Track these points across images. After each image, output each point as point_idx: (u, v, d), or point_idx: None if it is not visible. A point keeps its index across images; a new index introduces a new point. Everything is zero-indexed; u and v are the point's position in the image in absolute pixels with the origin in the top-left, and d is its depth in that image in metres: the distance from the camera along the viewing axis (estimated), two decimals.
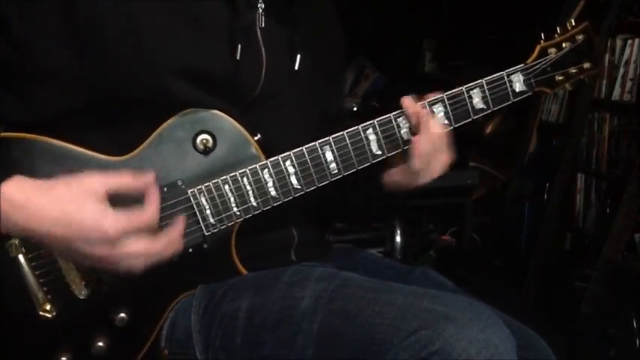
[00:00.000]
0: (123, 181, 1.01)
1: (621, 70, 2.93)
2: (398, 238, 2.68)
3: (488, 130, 3.46)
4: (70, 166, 1.07)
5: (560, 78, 1.27)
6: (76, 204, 0.96)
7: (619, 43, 2.93)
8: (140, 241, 1.00)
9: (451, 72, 3.81)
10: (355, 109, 3.60)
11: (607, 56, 2.95)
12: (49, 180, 0.98)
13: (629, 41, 2.91)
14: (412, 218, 3.04)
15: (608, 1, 2.88)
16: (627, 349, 2.31)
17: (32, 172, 1.02)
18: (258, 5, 1.17)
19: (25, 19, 1.04)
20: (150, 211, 1.01)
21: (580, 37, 1.27)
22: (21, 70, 1.07)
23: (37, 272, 1.06)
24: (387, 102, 3.68)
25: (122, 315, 1.11)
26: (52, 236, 0.97)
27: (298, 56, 1.22)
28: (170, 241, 1.04)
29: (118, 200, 1.00)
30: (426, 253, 3.13)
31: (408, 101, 1.21)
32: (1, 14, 1.03)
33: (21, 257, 1.06)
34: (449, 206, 3.09)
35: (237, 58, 1.13)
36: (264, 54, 1.18)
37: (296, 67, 1.23)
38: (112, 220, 0.97)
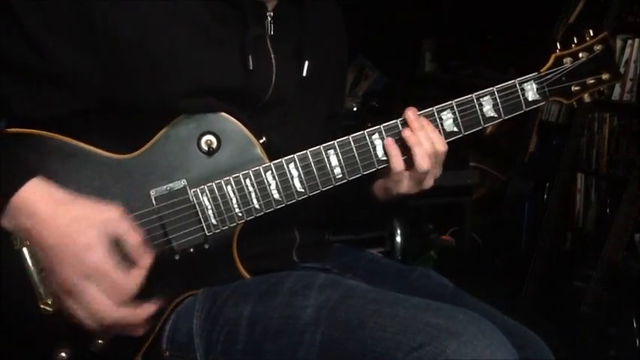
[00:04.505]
0: (131, 238, 1.02)
1: (621, 70, 2.93)
2: (398, 238, 2.68)
3: (488, 130, 3.46)
4: (76, 163, 1.09)
5: (577, 88, 1.25)
6: (79, 226, 0.99)
7: (619, 43, 2.93)
8: (103, 295, 0.99)
9: (451, 72, 3.82)
10: (355, 109, 3.60)
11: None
12: (71, 195, 1.01)
13: (629, 41, 2.92)
14: (412, 218, 3.04)
15: (608, 1, 2.88)
16: (627, 349, 2.31)
17: (39, 168, 1.04)
18: (267, 14, 1.18)
19: (44, 26, 1.05)
20: (131, 283, 1.01)
21: (598, 48, 1.24)
22: (36, 72, 1.08)
23: (40, 266, 1.07)
24: (387, 102, 3.69)
25: None
26: (44, 243, 0.99)
27: (306, 63, 1.23)
28: (130, 320, 1.03)
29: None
30: (426, 253, 3.13)
31: (410, 112, 1.19)
32: (22, 21, 1.05)
33: (25, 250, 1.06)
34: (449, 206, 3.09)
35: (250, 68, 1.14)
36: (273, 62, 1.19)
37: (304, 74, 1.23)
38: (97, 256, 0.98)
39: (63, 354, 1.09)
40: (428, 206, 3.14)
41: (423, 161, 1.16)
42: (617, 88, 2.95)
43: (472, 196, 3.15)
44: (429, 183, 1.21)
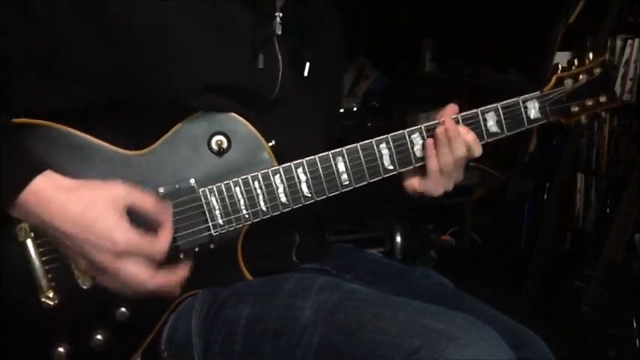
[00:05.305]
0: (145, 200, 1.04)
1: (621, 70, 2.92)
2: (398, 238, 2.68)
3: None
4: (86, 157, 1.10)
5: (576, 109, 1.28)
6: (96, 210, 1.00)
7: (619, 43, 2.93)
8: (140, 267, 1.02)
9: (451, 72, 3.82)
10: (355, 109, 3.59)
11: (607, 56, 2.95)
12: (76, 180, 1.02)
13: (629, 41, 2.91)
14: (412, 218, 3.04)
15: (608, 1, 2.88)
16: (627, 349, 2.31)
17: (49, 160, 1.05)
18: (277, 14, 1.19)
19: (60, 19, 1.06)
20: (162, 243, 1.04)
21: (597, 71, 1.28)
22: (52, 64, 1.09)
23: (44, 258, 1.08)
24: (387, 102, 3.69)
25: (123, 309, 1.11)
26: (66, 234, 1.00)
27: (307, 64, 1.25)
28: (168, 282, 1.06)
29: (136, 216, 1.04)
30: (426, 253, 3.13)
31: (446, 117, 1.21)
32: (40, 13, 1.06)
33: (29, 242, 1.07)
34: (449, 206, 3.08)
35: (261, 66, 1.16)
36: (280, 61, 1.21)
37: (305, 74, 1.25)
38: (124, 234, 1.00)
39: (61, 349, 1.10)
40: (428, 206, 3.13)
41: (448, 158, 1.20)
42: (617, 88, 2.95)
43: (472, 196, 3.15)
44: (459, 176, 1.25)
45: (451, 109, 1.23)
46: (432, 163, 1.20)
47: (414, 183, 1.25)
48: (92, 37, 1.07)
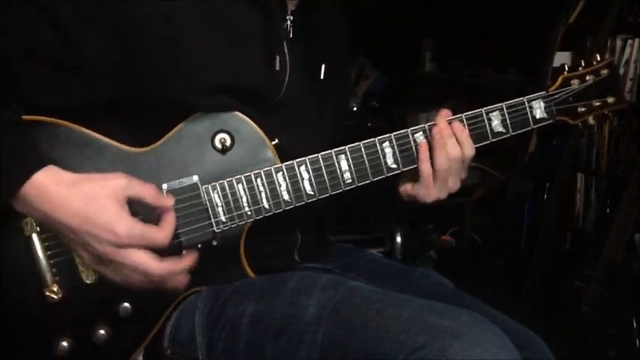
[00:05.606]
0: (146, 191, 1.04)
1: (621, 70, 2.92)
2: (398, 238, 2.68)
3: None
4: (90, 153, 1.11)
5: (583, 109, 1.29)
6: (97, 203, 1.00)
7: (619, 43, 2.93)
8: (145, 255, 1.02)
9: (451, 72, 3.82)
10: (355, 109, 3.60)
11: (607, 56, 2.95)
12: (78, 174, 1.02)
13: (629, 41, 2.91)
14: (412, 218, 3.04)
15: (608, 1, 2.88)
16: (627, 349, 2.31)
17: (55, 155, 1.06)
18: (287, 17, 1.21)
19: (69, 16, 1.07)
20: (164, 232, 1.04)
21: (604, 72, 1.29)
22: (62, 61, 1.09)
23: (49, 252, 1.08)
24: (387, 102, 3.69)
25: (126, 305, 1.12)
26: (68, 227, 1.01)
27: (323, 66, 1.26)
28: (174, 270, 1.06)
29: (137, 207, 1.04)
30: (426, 253, 3.13)
31: (441, 117, 1.21)
32: (53, 10, 1.06)
33: (34, 236, 1.08)
34: (449, 206, 3.08)
35: (277, 69, 1.17)
36: (288, 64, 1.21)
37: (321, 76, 1.26)
38: (125, 225, 1.00)
39: (64, 343, 1.10)
40: (428, 206, 3.13)
41: (443, 160, 1.19)
42: None
43: (472, 196, 3.15)
44: (455, 183, 1.24)
45: (444, 114, 1.23)
46: (425, 168, 1.20)
47: (407, 187, 1.25)
48: (98, 36, 1.08)
